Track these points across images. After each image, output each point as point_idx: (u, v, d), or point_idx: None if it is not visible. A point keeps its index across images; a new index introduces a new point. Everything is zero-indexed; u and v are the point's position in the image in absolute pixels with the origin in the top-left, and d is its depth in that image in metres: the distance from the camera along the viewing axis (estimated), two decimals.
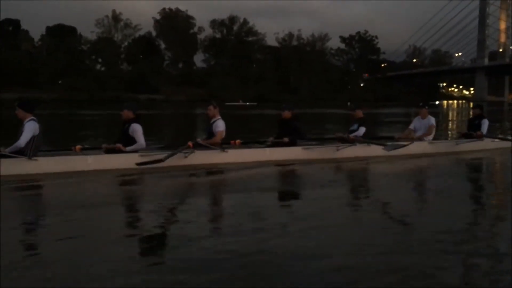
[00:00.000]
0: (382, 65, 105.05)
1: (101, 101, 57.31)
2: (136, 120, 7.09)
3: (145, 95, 69.96)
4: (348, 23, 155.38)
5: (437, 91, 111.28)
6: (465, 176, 7.45)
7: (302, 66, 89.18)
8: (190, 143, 7.15)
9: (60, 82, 70.78)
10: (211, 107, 7.81)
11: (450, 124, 22.87)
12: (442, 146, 9.09)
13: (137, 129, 6.97)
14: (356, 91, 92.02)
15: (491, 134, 9.91)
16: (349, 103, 55.26)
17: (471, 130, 9.56)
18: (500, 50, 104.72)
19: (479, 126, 9.46)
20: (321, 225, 4.06)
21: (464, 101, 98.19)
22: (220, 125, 7.60)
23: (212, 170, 7.00)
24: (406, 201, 5.23)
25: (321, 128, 16.24)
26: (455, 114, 39.24)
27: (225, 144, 7.66)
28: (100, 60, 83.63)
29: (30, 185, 5.71)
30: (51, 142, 8.79)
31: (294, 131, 8.13)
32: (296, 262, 3.14)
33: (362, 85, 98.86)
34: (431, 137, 9.24)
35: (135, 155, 6.85)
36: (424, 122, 9.31)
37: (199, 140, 7.44)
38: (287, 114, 8.34)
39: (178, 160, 6.91)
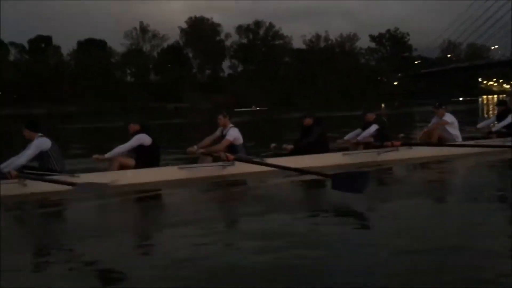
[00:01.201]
0: (416, 62, 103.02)
1: (129, 111, 58.34)
2: (141, 131, 7.01)
3: (171, 104, 70.89)
4: (380, 23, 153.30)
5: (475, 86, 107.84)
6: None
7: (330, 66, 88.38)
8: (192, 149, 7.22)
9: (87, 94, 72.26)
10: (221, 117, 7.71)
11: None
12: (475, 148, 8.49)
13: (137, 138, 6.92)
14: (387, 89, 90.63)
15: None
16: (383, 105, 54.68)
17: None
18: None
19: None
20: None
21: (504, 96, 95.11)
22: (230, 134, 7.47)
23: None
24: None
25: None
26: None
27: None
28: (129, 71, 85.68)
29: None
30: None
31: (314, 137, 7.92)
32: None
33: (395, 83, 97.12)
34: (453, 131, 8.82)
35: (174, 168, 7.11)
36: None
37: (195, 147, 7.28)
38: (308, 121, 8.15)
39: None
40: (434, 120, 9.13)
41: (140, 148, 6.92)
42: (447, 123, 8.80)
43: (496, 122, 9.72)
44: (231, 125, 7.67)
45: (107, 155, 6.74)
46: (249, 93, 77.84)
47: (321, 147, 7.92)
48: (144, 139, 6.90)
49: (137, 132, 6.99)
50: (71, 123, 36.05)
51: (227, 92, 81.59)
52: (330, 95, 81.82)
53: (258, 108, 64.25)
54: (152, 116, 35.04)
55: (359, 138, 8.37)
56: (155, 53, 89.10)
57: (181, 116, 43.35)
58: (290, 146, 7.86)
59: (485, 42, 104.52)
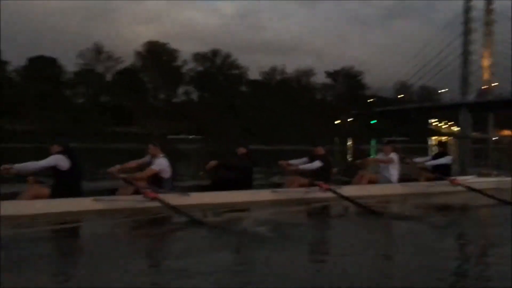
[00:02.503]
0: (370, 100, 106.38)
1: (75, 134, 56.53)
2: (63, 153, 6.51)
3: (121, 128, 69.33)
4: (335, 60, 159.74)
5: (426, 127, 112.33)
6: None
7: (286, 99, 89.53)
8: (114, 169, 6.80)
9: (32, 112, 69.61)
10: (151, 146, 7.34)
11: None
12: (412, 188, 8.58)
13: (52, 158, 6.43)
14: (343, 126, 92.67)
15: (467, 177, 9.59)
16: (335, 139, 55.91)
17: (436, 169, 9.28)
18: (484, 87, 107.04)
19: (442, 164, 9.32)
20: None
21: (452, 138, 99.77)
22: (158, 163, 7.09)
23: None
24: None
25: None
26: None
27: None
28: (81, 91, 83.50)
29: None
30: None
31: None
32: None
33: (350, 119, 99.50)
34: (392, 170, 8.74)
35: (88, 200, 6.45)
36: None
37: (117, 167, 6.98)
38: (242, 150, 8.01)
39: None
40: (379, 156, 9.19)
41: (57, 172, 6.40)
42: (391, 161, 8.76)
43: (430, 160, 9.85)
44: (162, 155, 7.27)
45: (16, 166, 6.12)
46: (207, 121, 77.37)
47: (245, 181, 7.73)
48: (60, 161, 6.38)
49: (58, 153, 6.48)
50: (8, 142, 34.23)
51: (181, 118, 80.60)
52: (286, 128, 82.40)
53: (192, 137, 63.46)
54: (103, 140, 34.33)
55: (300, 167, 8.15)
56: (109, 75, 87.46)
57: (131, 140, 42.17)
58: (214, 162, 7.75)
59: (435, 85, 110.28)
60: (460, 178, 9.13)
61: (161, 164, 7.11)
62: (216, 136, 63.10)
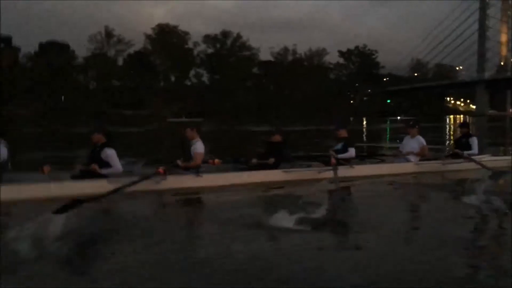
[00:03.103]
0: (385, 79, 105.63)
1: (87, 116, 57.16)
2: (109, 143, 6.97)
3: (130, 111, 69.84)
4: (348, 39, 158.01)
5: (442, 105, 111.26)
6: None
7: (299, 80, 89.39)
8: (160, 169, 6.84)
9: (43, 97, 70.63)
10: (188, 130, 7.71)
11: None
12: (427, 167, 9.01)
13: (111, 154, 6.85)
14: (356, 105, 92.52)
15: (480, 154, 9.83)
16: (351, 119, 56.13)
17: (459, 149, 9.50)
18: (502, 63, 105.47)
19: (467, 145, 9.45)
20: None
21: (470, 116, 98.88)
22: (198, 147, 7.46)
23: (186, 196, 6.81)
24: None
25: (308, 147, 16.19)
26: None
27: (203, 163, 7.55)
28: (92, 76, 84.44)
29: None
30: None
31: (280, 155, 8.09)
32: None
33: (365, 98, 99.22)
34: (418, 157, 9.17)
35: (104, 181, 6.62)
36: (412, 141, 9.33)
37: (178, 162, 7.26)
38: (277, 137, 8.37)
39: (147, 185, 6.65)
40: (405, 140, 9.48)
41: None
42: (425, 148, 9.23)
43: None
44: (198, 138, 7.66)
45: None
46: (214, 103, 77.52)
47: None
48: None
49: (104, 145, 6.95)
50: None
51: (192, 100, 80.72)
52: (299, 108, 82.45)
53: (192, 119, 63.19)
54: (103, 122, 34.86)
55: (339, 156, 8.41)
56: (120, 59, 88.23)
57: (137, 123, 42.84)
58: (271, 160, 7.98)
59: (451, 62, 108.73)
60: (477, 157, 9.37)
61: (201, 146, 7.48)
62: (222, 117, 63.43)
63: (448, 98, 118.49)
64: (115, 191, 5.88)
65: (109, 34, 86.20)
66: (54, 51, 76.43)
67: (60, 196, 6.14)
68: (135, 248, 4.22)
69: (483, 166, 8.59)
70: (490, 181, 7.83)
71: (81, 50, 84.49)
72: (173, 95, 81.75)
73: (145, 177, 6.65)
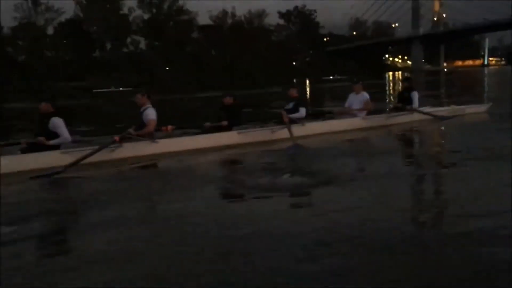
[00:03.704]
0: (325, 39, 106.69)
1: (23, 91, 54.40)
2: (56, 113, 6.87)
3: (70, 83, 66.83)
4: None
5: (381, 63, 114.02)
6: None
7: (241, 44, 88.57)
8: (116, 138, 6.88)
9: None
10: (138, 95, 7.63)
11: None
12: (374, 121, 9.48)
13: (58, 123, 6.75)
14: (300, 67, 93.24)
15: (420, 107, 10.43)
16: (294, 81, 56.94)
17: (401, 103, 10.03)
18: (435, 19, 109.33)
19: (409, 99, 9.97)
20: None
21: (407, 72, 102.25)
22: (150, 113, 7.43)
23: (142, 163, 6.78)
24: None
25: (260, 109, 16.44)
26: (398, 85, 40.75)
27: (156, 131, 7.57)
28: (22, 47, 79.67)
29: None
30: None
31: (234, 117, 8.25)
32: None
33: (307, 59, 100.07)
34: (365, 112, 9.62)
35: (56, 152, 6.61)
36: (358, 97, 9.73)
37: (130, 130, 7.21)
38: (228, 100, 8.50)
39: (104, 155, 6.65)
40: (351, 97, 9.87)
41: None
42: (369, 103, 9.72)
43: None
44: (149, 104, 7.64)
45: None
46: (155, 72, 75.41)
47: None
48: None
49: (51, 114, 6.87)
50: None
51: (129, 70, 77.76)
52: (243, 72, 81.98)
53: (120, 89, 61.33)
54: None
55: (291, 116, 8.60)
56: (50, 28, 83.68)
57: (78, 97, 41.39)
58: (224, 123, 8.13)
59: (388, 19, 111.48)
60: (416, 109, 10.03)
61: (153, 112, 7.45)
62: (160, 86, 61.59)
63: (386, 55, 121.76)
64: (78, 161, 5.88)
65: (35, 1, 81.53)
66: None
67: (12, 171, 6.06)
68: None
69: (428, 114, 9.27)
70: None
71: (7, 20, 79.40)
72: (110, 65, 78.85)
73: (103, 146, 6.63)
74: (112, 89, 61.00)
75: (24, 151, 6.75)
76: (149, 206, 4.73)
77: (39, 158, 6.44)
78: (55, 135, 6.72)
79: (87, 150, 6.58)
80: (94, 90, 47.60)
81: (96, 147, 6.66)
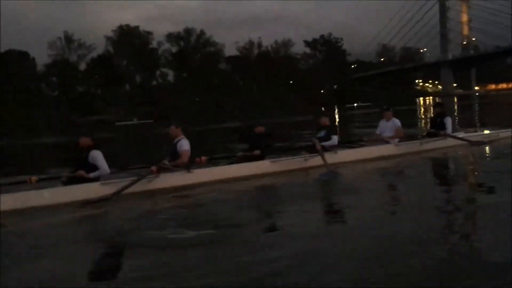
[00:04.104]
0: (352, 66, 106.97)
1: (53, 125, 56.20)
2: (95, 146, 7.13)
3: (94, 117, 68.52)
4: (313, 31, 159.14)
5: (411, 88, 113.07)
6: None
7: (267, 73, 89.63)
8: (153, 168, 7.10)
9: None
10: (172, 127, 7.83)
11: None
12: (407, 147, 9.47)
13: (97, 156, 6.98)
14: (326, 95, 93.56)
15: (454, 132, 10.40)
16: (323, 109, 57.06)
17: (434, 129, 10.00)
18: (464, 42, 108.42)
19: (442, 125, 9.93)
20: None
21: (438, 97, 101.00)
22: (184, 144, 7.61)
23: (178, 193, 6.95)
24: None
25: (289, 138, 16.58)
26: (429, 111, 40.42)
27: (190, 162, 7.76)
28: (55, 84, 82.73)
29: None
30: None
31: (265, 146, 8.38)
32: None
33: (335, 87, 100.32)
34: (397, 139, 9.62)
35: (96, 184, 6.85)
36: (389, 124, 9.76)
37: (165, 162, 7.40)
38: (260, 128, 8.65)
39: (141, 186, 6.84)
40: (382, 124, 9.92)
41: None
42: (401, 130, 9.68)
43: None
44: (183, 136, 7.85)
45: None
46: (180, 104, 76.58)
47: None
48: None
49: (90, 148, 7.09)
50: None
51: (157, 103, 79.33)
52: (268, 102, 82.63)
53: (141, 121, 61.89)
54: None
55: (324, 144, 8.67)
56: (83, 64, 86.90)
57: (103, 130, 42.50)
58: (257, 152, 8.23)
59: (416, 45, 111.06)
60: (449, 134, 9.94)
61: (187, 143, 7.65)
62: (179, 118, 61.43)
63: (416, 81, 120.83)
64: (121, 191, 6.10)
65: (69, 39, 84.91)
66: (13, 59, 74.54)
67: (54, 203, 6.33)
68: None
69: (461, 139, 9.18)
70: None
71: (42, 58, 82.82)
72: (139, 98, 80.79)
73: (142, 177, 6.86)
74: (135, 121, 61.92)
75: (65, 184, 7.01)
76: None
77: (80, 190, 6.70)
78: (95, 167, 6.97)
79: (126, 181, 6.81)
80: (117, 123, 48.52)
81: (135, 178, 6.87)
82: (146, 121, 60.16)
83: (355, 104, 78.74)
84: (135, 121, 62.29)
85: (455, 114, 28.30)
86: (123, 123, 53.55)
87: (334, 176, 7.18)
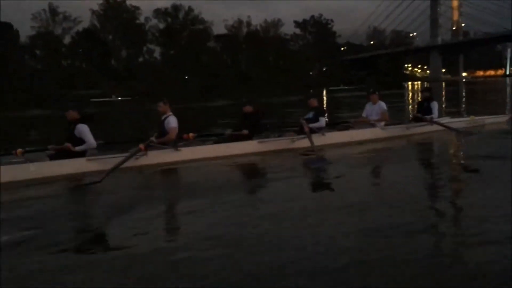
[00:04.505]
0: (342, 48, 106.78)
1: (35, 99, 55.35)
2: (82, 120, 7.15)
3: (82, 91, 67.51)
4: (301, 10, 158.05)
5: (400, 72, 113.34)
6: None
7: (256, 53, 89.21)
8: (141, 146, 7.12)
9: None
10: (161, 104, 7.85)
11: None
12: (394, 131, 9.61)
13: (84, 130, 7.02)
14: (315, 77, 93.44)
15: (440, 118, 10.53)
16: (311, 91, 56.94)
17: (420, 113, 10.12)
18: (454, 28, 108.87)
19: (428, 109, 10.06)
20: None
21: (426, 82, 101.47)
22: (172, 121, 7.67)
23: (166, 169, 7.08)
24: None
25: (278, 118, 16.66)
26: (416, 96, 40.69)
27: (178, 139, 7.80)
28: (40, 57, 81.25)
29: None
30: None
31: (254, 125, 8.42)
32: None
33: (324, 69, 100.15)
34: (383, 123, 9.75)
35: (82, 160, 6.89)
36: (375, 107, 9.84)
37: (152, 139, 7.43)
38: (248, 108, 8.65)
39: (128, 162, 6.86)
40: (368, 107, 10.00)
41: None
42: (386, 113, 9.75)
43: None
44: (170, 113, 7.89)
45: None
46: (167, 81, 75.81)
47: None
48: None
49: (77, 121, 7.14)
50: None
51: (143, 79, 78.44)
52: (256, 82, 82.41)
53: (119, 98, 61.28)
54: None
55: (311, 125, 8.76)
56: (68, 37, 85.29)
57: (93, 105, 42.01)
58: (245, 131, 8.28)
59: (406, 28, 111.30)
60: (437, 120, 10.05)
61: (175, 120, 7.69)
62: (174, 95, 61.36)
63: (406, 65, 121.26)
64: (110, 171, 6.10)
65: (53, 11, 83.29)
66: None
67: (40, 177, 6.36)
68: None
69: (447, 127, 9.30)
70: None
71: (26, 30, 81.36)
72: (126, 74, 79.87)
73: (130, 155, 6.87)
74: (113, 98, 61.08)
75: (52, 157, 7.03)
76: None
77: (66, 165, 6.73)
78: (81, 141, 7.01)
79: (112, 157, 6.86)
80: (92, 100, 47.97)
81: (123, 155, 6.91)
82: (124, 98, 59.42)
83: (339, 87, 77.78)
84: (113, 97, 61.31)
85: (443, 99, 28.54)
86: (99, 99, 52.50)
87: (324, 163, 7.01)
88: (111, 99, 58.93)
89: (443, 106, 20.35)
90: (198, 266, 3.26)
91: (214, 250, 3.52)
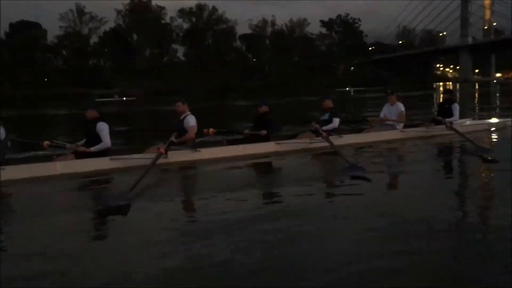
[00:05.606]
0: (370, 48, 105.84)
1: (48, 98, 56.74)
2: (102, 119, 7.45)
3: (98, 90, 68.70)
4: (327, 10, 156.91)
5: (429, 73, 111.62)
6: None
7: (280, 52, 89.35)
8: (162, 150, 7.04)
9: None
10: (179, 103, 8.04)
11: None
12: (412, 133, 9.65)
13: (104, 128, 7.31)
14: (341, 76, 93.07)
15: (461, 120, 10.47)
16: (337, 90, 56.37)
17: (441, 115, 10.11)
18: (486, 27, 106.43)
19: (449, 111, 10.07)
20: None
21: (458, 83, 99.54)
22: (191, 120, 7.84)
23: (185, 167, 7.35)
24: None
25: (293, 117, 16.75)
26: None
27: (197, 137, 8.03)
28: (66, 56, 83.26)
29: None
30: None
31: (269, 126, 8.59)
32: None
33: (352, 69, 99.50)
34: (401, 124, 9.81)
35: (106, 159, 7.22)
36: (393, 108, 9.88)
37: (172, 139, 7.52)
38: (264, 108, 8.81)
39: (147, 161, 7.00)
40: (386, 108, 10.04)
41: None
42: (403, 114, 9.75)
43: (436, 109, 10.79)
44: (189, 112, 8.07)
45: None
46: (182, 80, 76.39)
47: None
48: None
49: (97, 120, 7.42)
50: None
51: (165, 78, 79.41)
52: (280, 81, 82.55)
53: (124, 99, 61.67)
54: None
55: (324, 128, 8.76)
56: (95, 37, 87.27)
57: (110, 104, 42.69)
58: (263, 132, 8.49)
59: (436, 28, 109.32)
60: (458, 122, 10.06)
61: (193, 120, 7.89)
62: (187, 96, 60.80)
63: (437, 65, 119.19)
64: (136, 183, 5.70)
65: (80, 11, 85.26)
66: (25, 31, 75.18)
67: (66, 173, 6.80)
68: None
69: (463, 136, 9.20)
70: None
71: (54, 30, 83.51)
72: (151, 73, 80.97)
73: (153, 162, 6.77)
74: (115, 98, 61.33)
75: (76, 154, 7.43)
76: None
77: (90, 163, 7.14)
78: (100, 139, 7.35)
79: (134, 158, 7.29)
80: (97, 100, 48.51)
81: (144, 157, 7.27)
82: (130, 98, 59.46)
83: (347, 88, 75.46)
84: (116, 97, 61.38)
85: (475, 101, 27.84)
86: (103, 99, 52.67)
87: (361, 172, 6.37)
88: (114, 99, 59.30)
89: (475, 107, 19.91)
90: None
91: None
